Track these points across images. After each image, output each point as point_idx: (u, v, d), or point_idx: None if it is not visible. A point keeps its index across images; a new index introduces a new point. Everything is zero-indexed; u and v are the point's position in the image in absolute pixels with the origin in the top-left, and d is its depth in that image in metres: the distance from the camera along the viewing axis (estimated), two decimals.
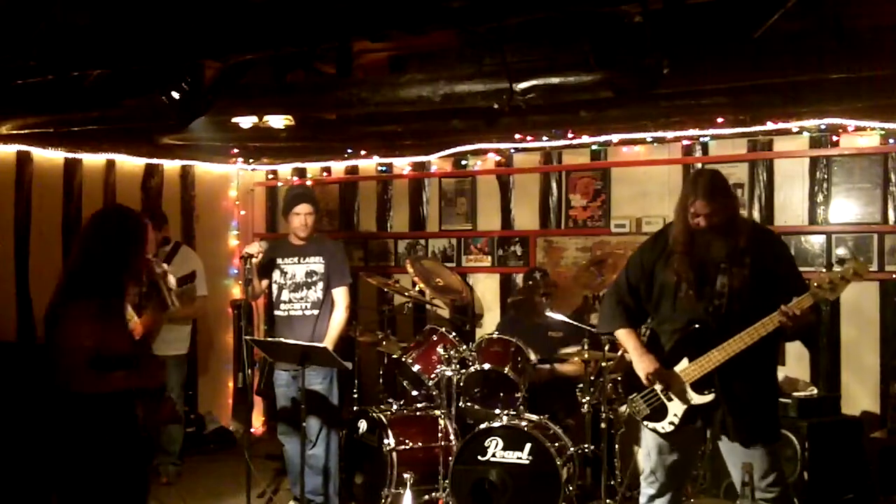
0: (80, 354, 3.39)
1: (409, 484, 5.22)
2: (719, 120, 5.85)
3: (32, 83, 4.41)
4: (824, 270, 3.65)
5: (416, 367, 5.80)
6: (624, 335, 4.09)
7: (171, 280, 3.98)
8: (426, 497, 5.44)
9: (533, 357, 5.89)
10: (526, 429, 5.23)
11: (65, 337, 3.47)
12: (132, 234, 3.63)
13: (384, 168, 7.83)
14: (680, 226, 3.88)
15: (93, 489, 3.49)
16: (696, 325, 3.83)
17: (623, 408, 5.32)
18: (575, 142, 6.64)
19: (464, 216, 7.56)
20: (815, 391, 5.82)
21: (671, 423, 3.90)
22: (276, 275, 5.61)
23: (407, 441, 5.53)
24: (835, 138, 6.10)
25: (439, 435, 5.50)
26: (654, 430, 3.97)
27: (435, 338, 5.87)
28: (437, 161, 7.59)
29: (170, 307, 3.87)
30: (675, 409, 3.89)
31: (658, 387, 3.91)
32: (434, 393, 5.73)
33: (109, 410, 3.50)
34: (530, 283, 6.42)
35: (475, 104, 4.47)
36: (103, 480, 3.49)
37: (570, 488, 5.19)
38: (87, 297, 3.47)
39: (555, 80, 4.01)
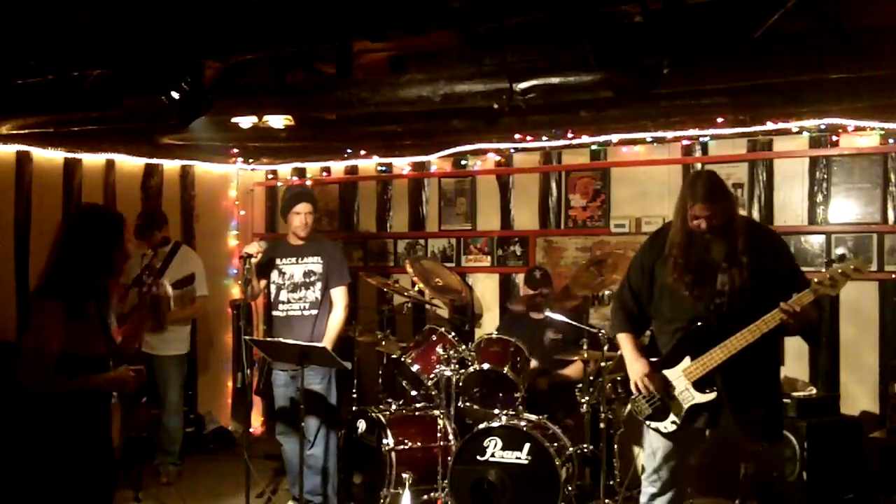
0: (43, 354, 3.32)
1: (407, 484, 5.22)
2: (719, 120, 5.85)
3: (32, 83, 4.42)
4: (825, 269, 3.67)
5: (415, 367, 5.80)
6: (622, 339, 4.10)
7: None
8: (425, 497, 5.44)
9: (534, 363, 5.89)
10: (525, 429, 5.23)
11: (28, 335, 3.41)
12: (103, 233, 3.54)
13: (384, 168, 7.83)
14: (677, 228, 3.88)
15: (49, 490, 3.40)
16: (699, 324, 3.83)
17: (626, 407, 5.33)
18: (575, 142, 6.64)
19: (463, 216, 7.56)
20: (815, 391, 5.82)
21: (673, 422, 3.90)
22: (275, 275, 5.60)
23: (406, 441, 5.53)
24: (834, 138, 6.10)
25: (438, 435, 5.50)
26: (657, 430, 3.97)
27: (434, 338, 5.87)
28: (436, 161, 7.59)
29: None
30: (677, 408, 3.89)
31: (653, 391, 3.92)
32: (433, 393, 5.73)
33: (69, 412, 3.41)
34: (530, 290, 6.37)
35: (475, 104, 4.47)
36: (58, 482, 3.41)
37: (570, 488, 5.19)
38: (53, 296, 3.40)
39: (555, 80, 4.01)
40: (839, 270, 3.62)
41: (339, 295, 5.57)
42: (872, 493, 5.50)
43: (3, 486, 3.51)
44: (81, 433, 3.46)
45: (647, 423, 4.01)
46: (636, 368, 3.95)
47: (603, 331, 5.33)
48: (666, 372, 3.93)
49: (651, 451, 4.07)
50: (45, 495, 3.42)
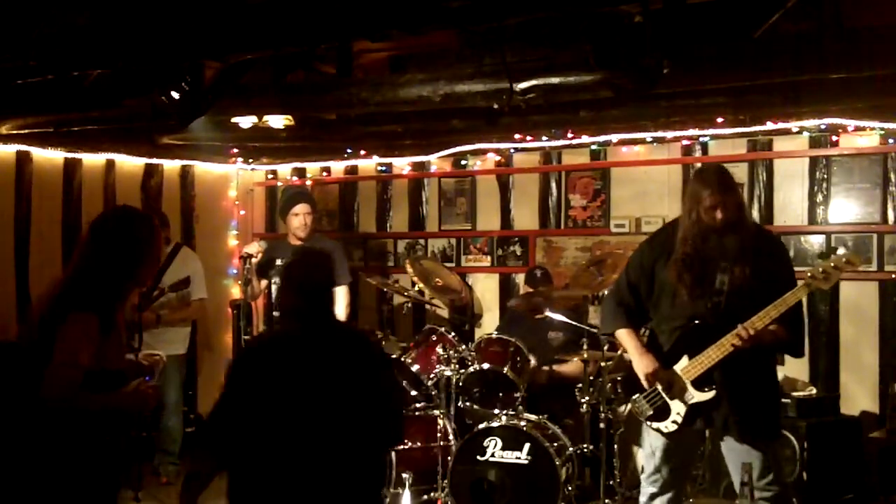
0: (75, 371, 3.09)
1: (407, 484, 5.22)
2: (719, 120, 5.85)
3: (32, 83, 4.42)
4: (819, 260, 3.68)
5: (415, 367, 5.80)
6: (624, 335, 4.08)
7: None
8: (425, 497, 5.44)
9: (533, 361, 5.89)
10: (525, 429, 5.23)
11: (61, 350, 3.13)
12: (140, 240, 3.30)
13: (384, 168, 7.83)
14: (690, 225, 3.83)
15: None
16: (696, 322, 3.83)
17: (623, 408, 5.33)
18: (575, 142, 6.64)
19: (463, 216, 7.55)
20: (815, 391, 5.82)
21: (674, 422, 3.89)
22: (276, 275, 5.60)
23: (406, 441, 5.52)
24: (834, 138, 6.10)
25: (438, 435, 5.49)
26: (658, 430, 3.96)
27: (434, 338, 5.86)
28: (436, 161, 7.58)
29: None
30: (678, 407, 3.88)
31: (659, 386, 3.91)
32: (433, 393, 5.73)
33: (90, 428, 3.21)
34: (531, 289, 6.38)
35: (475, 104, 4.48)
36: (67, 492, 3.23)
37: (569, 488, 5.19)
38: (89, 310, 3.17)
39: (555, 80, 4.01)
40: (832, 264, 3.63)
41: (341, 294, 5.57)
42: (872, 493, 5.50)
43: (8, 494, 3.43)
44: (99, 445, 3.28)
45: (648, 423, 4.00)
46: (644, 363, 3.93)
47: None
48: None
49: (650, 450, 4.06)
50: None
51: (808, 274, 3.66)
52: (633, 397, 4.04)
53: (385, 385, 3.14)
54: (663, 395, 3.91)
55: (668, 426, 3.91)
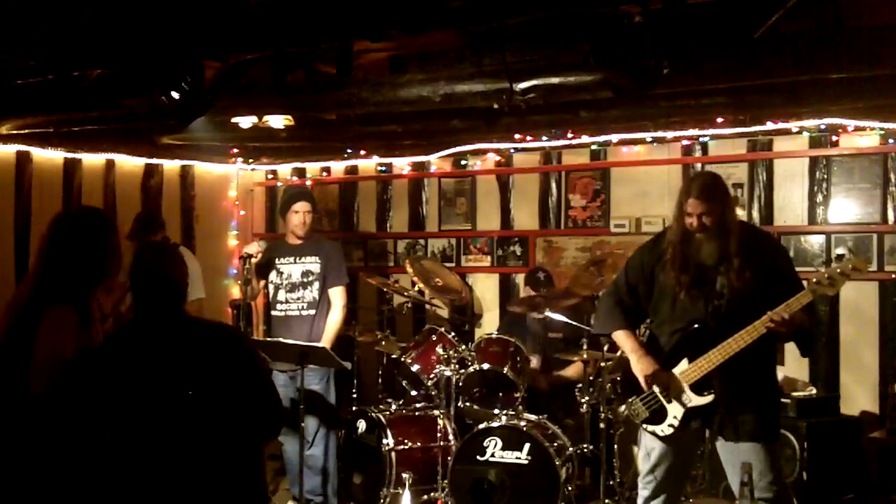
0: (59, 363, 3.11)
1: (407, 484, 5.21)
2: (719, 120, 5.86)
3: (32, 83, 4.42)
4: (823, 268, 3.67)
5: (415, 367, 5.80)
6: (622, 336, 4.07)
7: None
8: (425, 497, 5.44)
9: (535, 363, 5.89)
10: (525, 429, 5.23)
11: (43, 344, 3.17)
12: (102, 236, 3.41)
13: (384, 168, 7.83)
14: (675, 226, 3.88)
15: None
16: (696, 326, 3.82)
17: (622, 409, 5.33)
18: (574, 142, 6.64)
19: (463, 216, 7.56)
20: (815, 391, 5.82)
21: (671, 425, 3.89)
22: (273, 275, 5.61)
23: (406, 441, 5.53)
24: (834, 138, 6.10)
25: (438, 435, 5.50)
26: (654, 433, 3.96)
27: (434, 338, 5.87)
28: (436, 161, 7.59)
29: None
30: (675, 411, 3.88)
31: (657, 389, 3.90)
32: (433, 393, 5.73)
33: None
34: (532, 292, 6.38)
35: (475, 104, 4.48)
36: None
37: (569, 488, 5.19)
38: (66, 304, 3.24)
39: (555, 80, 4.01)
40: (838, 270, 3.62)
41: (338, 295, 5.58)
42: (872, 493, 5.50)
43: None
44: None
45: (644, 426, 4.00)
46: (644, 364, 3.92)
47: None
48: None
49: (646, 452, 4.06)
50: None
51: (814, 280, 3.64)
52: (629, 399, 4.03)
53: (245, 378, 3.07)
54: (661, 397, 3.91)
55: (664, 429, 3.91)
